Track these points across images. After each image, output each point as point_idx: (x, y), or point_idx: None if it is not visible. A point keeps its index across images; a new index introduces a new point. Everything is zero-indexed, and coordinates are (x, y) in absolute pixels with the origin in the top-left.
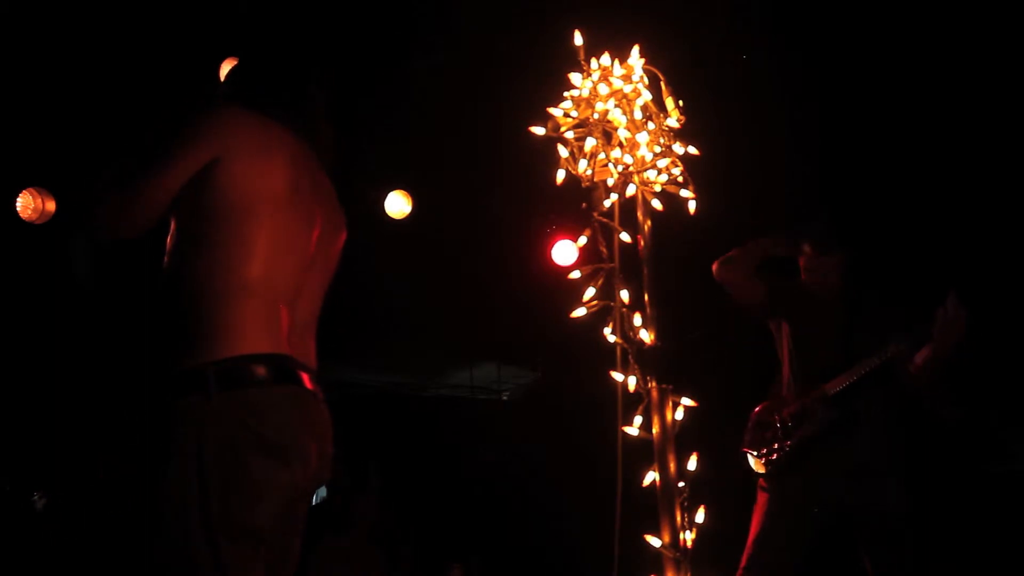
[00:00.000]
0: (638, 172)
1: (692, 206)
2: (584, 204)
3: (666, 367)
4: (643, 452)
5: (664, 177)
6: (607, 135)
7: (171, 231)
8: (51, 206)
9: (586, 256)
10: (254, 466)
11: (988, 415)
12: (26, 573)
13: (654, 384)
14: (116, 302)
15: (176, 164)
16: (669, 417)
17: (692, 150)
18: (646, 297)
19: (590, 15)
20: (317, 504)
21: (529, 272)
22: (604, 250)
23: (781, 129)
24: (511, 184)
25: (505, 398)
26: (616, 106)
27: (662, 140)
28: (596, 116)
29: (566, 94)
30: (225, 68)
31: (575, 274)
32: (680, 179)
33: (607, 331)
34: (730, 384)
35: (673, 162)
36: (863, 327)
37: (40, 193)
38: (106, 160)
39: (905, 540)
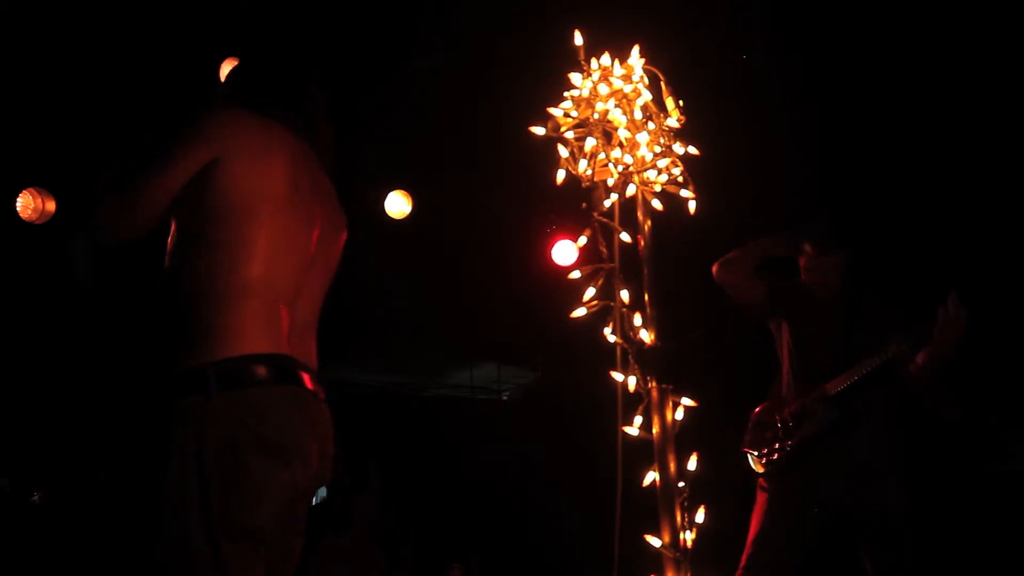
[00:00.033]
0: (638, 172)
1: (692, 206)
2: (584, 204)
3: (666, 367)
4: (643, 452)
5: (664, 177)
6: (607, 135)
7: (171, 231)
8: (51, 206)
9: (586, 256)
10: (254, 466)
11: (988, 415)
12: (26, 573)
13: (654, 384)
14: (116, 302)
15: (176, 165)
16: (669, 417)
17: (692, 150)
18: (646, 297)
19: (590, 15)
20: (317, 504)
21: (529, 272)
22: (604, 250)
23: (781, 129)
24: (511, 184)
25: (505, 398)
26: (616, 106)
27: (662, 140)
28: (596, 116)
29: (566, 94)
30: (225, 68)
31: (575, 274)
32: (680, 179)
33: (607, 331)
34: (730, 384)
35: (673, 162)
36: (863, 327)
37: (40, 193)
38: (106, 160)
39: (905, 540)
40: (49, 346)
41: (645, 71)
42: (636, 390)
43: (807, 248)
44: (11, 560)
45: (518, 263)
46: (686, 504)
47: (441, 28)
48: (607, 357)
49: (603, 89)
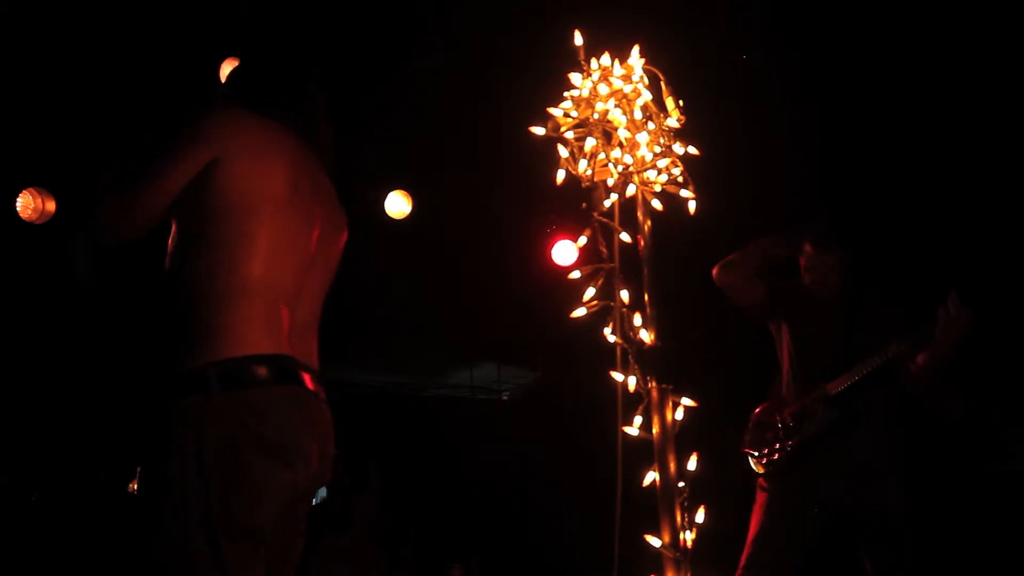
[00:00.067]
0: (638, 172)
1: (692, 206)
2: (584, 204)
3: (666, 367)
4: (643, 452)
5: (664, 177)
6: (607, 135)
7: (172, 232)
8: (51, 206)
9: (586, 256)
10: (254, 466)
11: (988, 415)
12: (26, 573)
13: (654, 384)
14: (116, 302)
15: (176, 165)
16: (669, 417)
17: (692, 150)
18: (646, 297)
19: (590, 15)
20: (317, 504)
21: (529, 272)
22: (604, 250)
23: (781, 129)
24: (511, 184)
25: (505, 398)
26: (616, 106)
27: (662, 140)
28: (596, 116)
29: (566, 94)
30: (225, 68)
31: (575, 274)
32: (680, 179)
33: (607, 331)
34: (730, 384)
35: (673, 162)
36: (863, 327)
37: (40, 193)
38: (106, 160)
39: (905, 540)
40: (49, 346)
41: (645, 71)
42: (636, 390)
43: (807, 247)
44: (11, 560)
45: (518, 263)
46: (686, 504)
47: (441, 28)
48: (607, 357)
49: (603, 89)
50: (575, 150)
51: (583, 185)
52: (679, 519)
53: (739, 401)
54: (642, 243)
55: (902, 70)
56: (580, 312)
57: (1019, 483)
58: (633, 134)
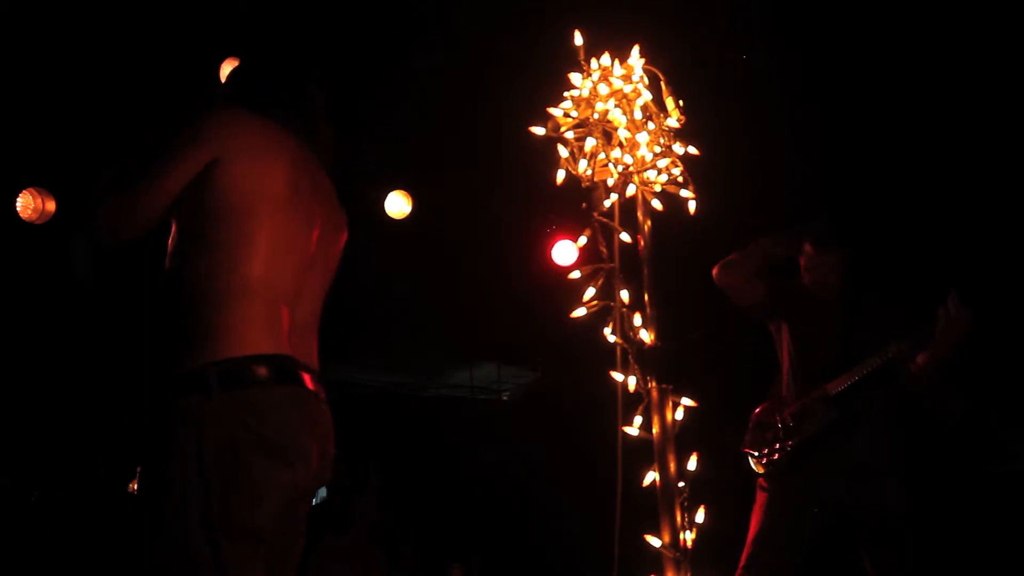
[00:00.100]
0: (638, 172)
1: (692, 206)
2: (584, 204)
3: (666, 367)
4: (643, 452)
5: (664, 177)
6: (607, 135)
7: (172, 232)
8: (51, 206)
9: (586, 256)
10: (254, 466)
11: (988, 415)
12: (26, 573)
13: (654, 384)
14: (116, 302)
15: (176, 166)
16: (669, 417)
17: (692, 150)
18: (646, 297)
19: (590, 15)
20: (317, 504)
21: (529, 272)
22: (604, 250)
23: (781, 129)
24: (511, 184)
25: (505, 398)
26: (616, 106)
27: (662, 140)
28: (596, 116)
29: (566, 94)
30: (225, 68)
31: (575, 274)
32: (680, 179)
33: (607, 331)
34: (730, 384)
35: (673, 162)
36: (863, 327)
37: (40, 193)
38: (106, 160)
39: (905, 540)
40: (49, 346)
41: (645, 71)
42: (636, 390)
43: (807, 248)
44: (11, 560)
45: (518, 263)
46: (686, 504)
47: (441, 28)
48: (607, 357)
49: (603, 89)
50: (575, 150)
51: (583, 185)
52: (679, 519)
53: (739, 401)
54: (642, 243)
55: (902, 70)
56: (580, 312)
57: (1019, 483)
58: (633, 134)
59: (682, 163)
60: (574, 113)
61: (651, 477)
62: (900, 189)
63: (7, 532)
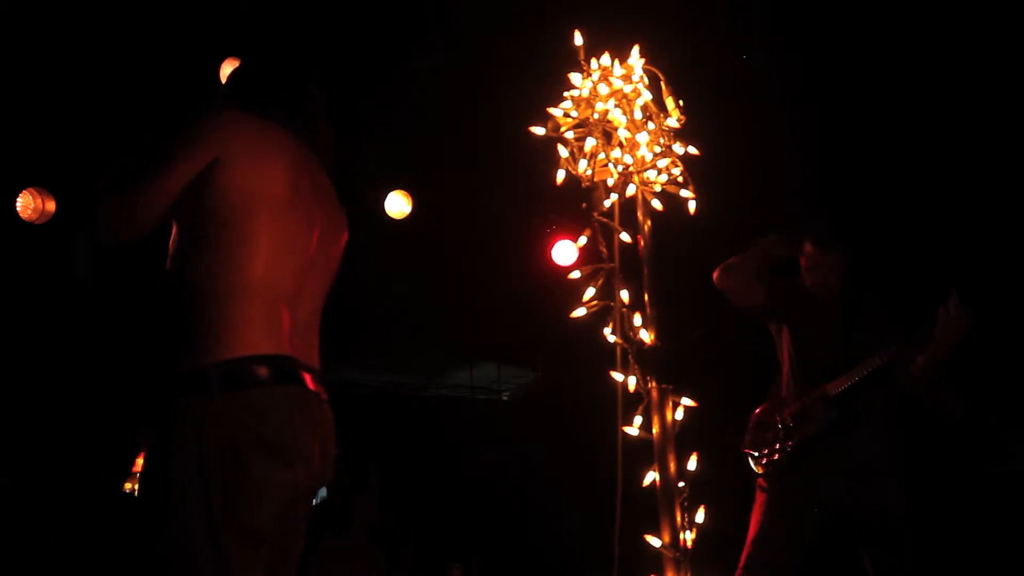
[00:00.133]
0: (638, 172)
1: (692, 206)
2: (584, 204)
3: (666, 367)
4: (643, 452)
5: (664, 177)
6: (607, 135)
7: (173, 233)
8: (51, 206)
9: (586, 256)
10: (255, 466)
11: (988, 415)
12: (26, 573)
13: (654, 384)
14: (116, 302)
15: (176, 166)
16: (669, 417)
17: (692, 150)
18: (646, 297)
19: (590, 15)
20: (317, 504)
21: (529, 272)
22: (604, 250)
23: (781, 129)
24: (511, 184)
25: (505, 398)
26: (616, 106)
27: (662, 140)
28: (596, 116)
29: (566, 94)
30: (225, 68)
31: (575, 274)
32: (680, 179)
33: (607, 331)
34: (730, 384)
35: (673, 162)
36: (863, 327)
37: (40, 193)
38: (106, 160)
39: (905, 540)
40: (49, 346)
41: (645, 71)
42: (636, 390)
43: (808, 248)
44: (11, 560)
45: (518, 263)
46: (686, 504)
47: (441, 28)
48: (607, 357)
49: (603, 89)
50: (575, 150)
51: (583, 185)
52: (679, 519)
53: (739, 401)
54: (642, 243)
55: (902, 70)
56: (580, 312)
57: (1019, 483)
58: (633, 134)
59: (682, 163)
60: (574, 113)
61: (651, 477)
62: (900, 189)
63: (7, 532)
